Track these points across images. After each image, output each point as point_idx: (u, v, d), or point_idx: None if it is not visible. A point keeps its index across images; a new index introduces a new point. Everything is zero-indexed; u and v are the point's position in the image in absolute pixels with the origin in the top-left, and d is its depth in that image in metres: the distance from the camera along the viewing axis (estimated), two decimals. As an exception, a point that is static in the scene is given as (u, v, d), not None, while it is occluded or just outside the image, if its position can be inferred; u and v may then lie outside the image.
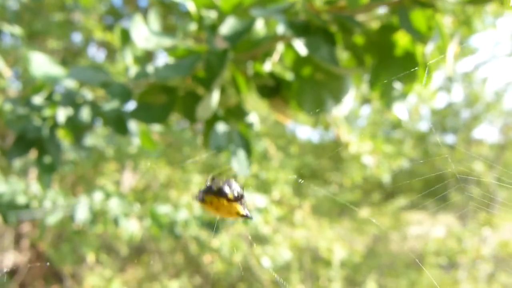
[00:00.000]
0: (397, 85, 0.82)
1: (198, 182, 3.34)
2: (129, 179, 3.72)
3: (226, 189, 0.47)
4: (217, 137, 0.94)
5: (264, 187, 3.21)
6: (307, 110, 0.90)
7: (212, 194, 0.47)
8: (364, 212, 4.38)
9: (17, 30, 2.24)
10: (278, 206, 3.10)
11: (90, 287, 3.25)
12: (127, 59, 1.08)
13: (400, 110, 0.84)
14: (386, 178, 3.29)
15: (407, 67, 0.79)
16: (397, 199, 4.47)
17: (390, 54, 0.82)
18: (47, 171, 1.25)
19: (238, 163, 0.94)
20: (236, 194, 0.47)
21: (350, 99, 0.89)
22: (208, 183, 0.49)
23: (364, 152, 2.89)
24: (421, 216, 5.07)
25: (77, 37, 4.09)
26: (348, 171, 3.74)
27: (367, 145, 2.89)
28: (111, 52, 3.97)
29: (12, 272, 3.61)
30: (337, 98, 0.88)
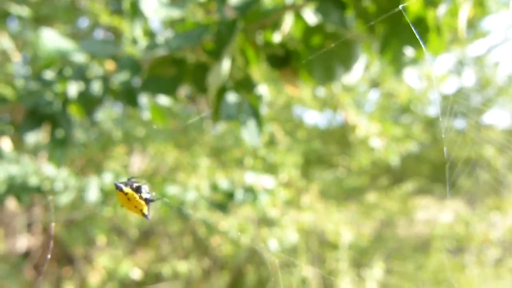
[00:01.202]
0: (408, 51, 0.81)
1: (205, 165, 3.37)
2: (137, 163, 3.76)
3: (143, 190, 0.62)
4: (227, 107, 0.95)
5: (271, 169, 3.22)
6: (317, 79, 0.90)
7: (131, 189, 0.61)
8: (371, 197, 4.38)
9: (25, 11, 2.24)
10: (285, 188, 3.11)
11: (101, 268, 3.33)
12: (136, 31, 1.09)
13: (410, 76, 0.84)
14: (394, 161, 3.28)
15: (418, 32, 0.79)
16: (405, 184, 4.46)
17: (401, 19, 0.81)
18: (59, 146, 1.28)
19: (249, 133, 0.95)
20: (148, 197, 0.62)
21: (360, 67, 0.89)
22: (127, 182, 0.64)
23: (372, 134, 2.88)
24: (429, 201, 5.06)
25: (83, 22, 4.09)
26: (356, 155, 3.73)
27: (375, 127, 2.87)
28: (118, 37, 3.97)
29: (26, 255, 3.72)
30: (348, 66, 0.88)
